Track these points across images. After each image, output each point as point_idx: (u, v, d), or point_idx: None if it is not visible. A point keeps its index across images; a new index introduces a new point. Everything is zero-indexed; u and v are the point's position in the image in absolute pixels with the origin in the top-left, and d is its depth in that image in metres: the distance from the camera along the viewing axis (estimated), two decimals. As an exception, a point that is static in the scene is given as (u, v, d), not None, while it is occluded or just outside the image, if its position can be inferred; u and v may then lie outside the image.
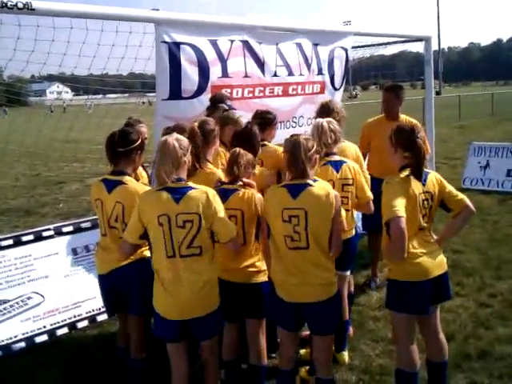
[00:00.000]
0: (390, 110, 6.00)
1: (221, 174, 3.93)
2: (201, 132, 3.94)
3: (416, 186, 3.42)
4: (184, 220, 3.21)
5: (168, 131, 3.79)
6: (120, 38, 5.07)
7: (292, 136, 3.50)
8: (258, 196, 3.61)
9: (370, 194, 4.29)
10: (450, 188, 3.63)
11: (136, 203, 3.44)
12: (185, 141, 3.37)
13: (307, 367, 4.16)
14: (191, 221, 3.22)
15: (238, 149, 3.76)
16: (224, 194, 3.56)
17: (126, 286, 3.75)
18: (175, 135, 3.38)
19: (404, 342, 3.54)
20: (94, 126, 9.85)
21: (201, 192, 3.27)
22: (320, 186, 3.35)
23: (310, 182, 3.34)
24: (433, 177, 3.56)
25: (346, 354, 4.47)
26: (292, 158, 3.39)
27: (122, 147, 3.68)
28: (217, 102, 4.90)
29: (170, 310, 3.33)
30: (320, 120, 4.27)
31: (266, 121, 4.66)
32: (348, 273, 4.47)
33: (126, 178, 3.71)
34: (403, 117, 6.00)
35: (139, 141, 3.78)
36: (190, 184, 3.32)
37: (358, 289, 5.74)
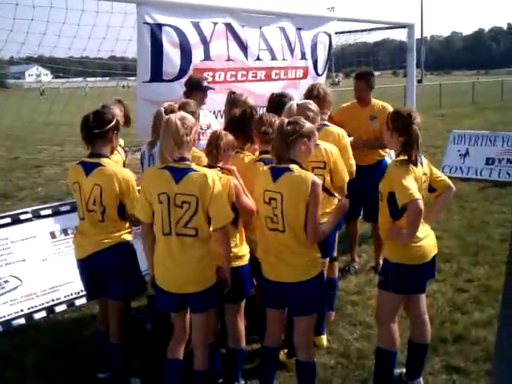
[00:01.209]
0: (362, 98, 6.00)
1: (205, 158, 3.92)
2: None
3: (419, 169, 3.52)
4: (182, 200, 3.24)
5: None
6: (101, 19, 5.00)
7: (280, 119, 3.50)
8: (235, 182, 3.57)
9: (344, 179, 4.24)
10: (434, 169, 3.77)
11: (114, 186, 3.48)
12: (189, 119, 3.34)
13: (286, 350, 4.18)
14: (189, 202, 3.24)
15: (218, 130, 3.77)
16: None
17: (104, 270, 3.73)
18: (180, 113, 3.38)
19: (389, 321, 3.67)
20: (74, 109, 9.74)
21: (201, 175, 3.26)
22: (299, 173, 3.31)
23: (292, 166, 3.32)
24: (424, 159, 3.69)
25: (324, 338, 4.51)
26: (275, 141, 3.42)
27: (98, 128, 3.64)
28: (193, 84, 4.85)
29: (167, 283, 3.40)
30: (292, 102, 4.29)
31: (282, 103, 4.51)
32: (326, 259, 4.47)
33: (104, 160, 3.67)
34: (374, 101, 6.01)
35: (114, 121, 3.73)
36: (193, 165, 3.31)
37: (340, 273, 5.78)
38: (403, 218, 3.46)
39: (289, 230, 3.32)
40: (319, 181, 3.36)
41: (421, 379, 3.88)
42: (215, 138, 3.66)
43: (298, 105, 4.19)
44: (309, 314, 3.49)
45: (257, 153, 4.10)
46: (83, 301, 5.29)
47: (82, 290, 5.29)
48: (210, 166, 3.60)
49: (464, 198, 9.22)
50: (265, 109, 6.08)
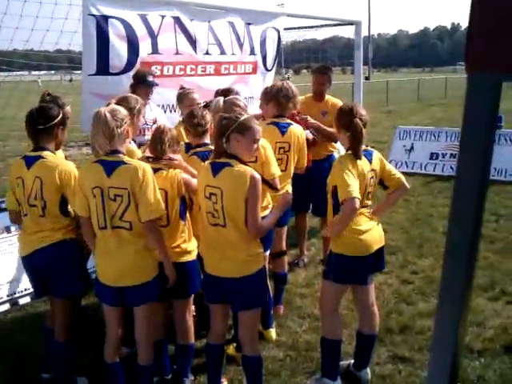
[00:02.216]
0: (321, 92, 6.07)
1: (138, 152, 3.91)
2: None
3: (365, 164, 3.58)
4: (115, 194, 3.21)
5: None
6: (44, 10, 4.86)
7: (219, 114, 3.50)
8: (182, 176, 3.57)
9: (274, 172, 4.18)
10: (388, 166, 3.84)
11: (55, 178, 3.47)
12: (120, 112, 3.29)
13: (235, 344, 4.19)
14: (121, 195, 3.21)
15: (162, 125, 3.74)
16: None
17: (45, 268, 3.65)
18: (111, 106, 3.33)
19: (332, 310, 3.77)
20: (16, 103, 9.45)
21: (132, 168, 3.22)
22: (238, 168, 3.27)
23: (231, 162, 3.28)
24: (376, 155, 3.74)
25: (273, 332, 4.54)
26: (214, 136, 3.45)
27: (42, 124, 3.55)
28: (139, 78, 4.81)
29: (105, 277, 3.39)
30: (219, 98, 4.50)
31: None
32: (266, 253, 4.49)
33: (45, 153, 3.59)
34: (328, 97, 6.10)
35: (60, 116, 3.64)
36: (125, 158, 3.26)
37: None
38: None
39: (230, 224, 3.29)
40: (258, 175, 3.31)
41: (368, 369, 3.97)
42: (159, 133, 3.61)
43: (224, 101, 4.26)
44: (252, 308, 3.47)
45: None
46: (27, 300, 5.15)
47: (25, 289, 5.16)
48: (155, 161, 3.56)
49: (409, 192, 9.37)
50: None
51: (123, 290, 3.34)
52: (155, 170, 3.50)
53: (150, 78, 4.82)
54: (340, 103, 6.07)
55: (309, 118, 5.53)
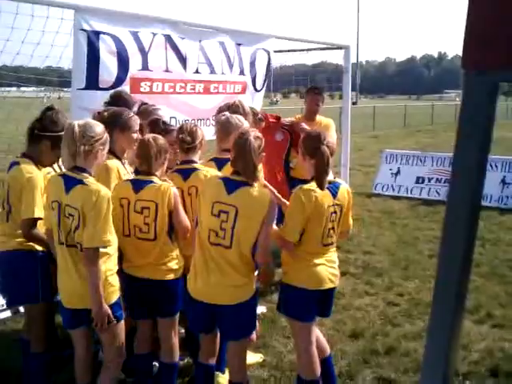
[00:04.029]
0: (315, 111, 6.16)
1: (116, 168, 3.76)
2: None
3: (326, 198, 3.35)
4: (69, 212, 3.12)
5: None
6: (36, 23, 4.84)
7: (243, 134, 3.30)
8: (174, 190, 3.50)
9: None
10: (350, 208, 3.61)
11: (18, 184, 3.47)
12: (93, 129, 3.14)
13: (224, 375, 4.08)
14: (73, 215, 3.10)
15: (146, 137, 3.58)
16: (138, 185, 3.47)
17: (2, 274, 3.66)
18: (85, 120, 3.25)
19: (305, 347, 3.52)
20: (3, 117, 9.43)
21: (88, 190, 3.07)
22: (259, 189, 3.24)
23: (249, 181, 3.20)
24: (345, 190, 3.51)
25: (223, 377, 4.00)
26: (240, 155, 3.22)
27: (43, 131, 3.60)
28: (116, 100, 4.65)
29: (62, 296, 3.32)
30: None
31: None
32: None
33: (22, 160, 3.59)
34: (319, 117, 6.17)
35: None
36: (86, 178, 3.11)
37: (270, 287, 5.79)
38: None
39: (236, 246, 3.16)
40: (274, 200, 3.34)
41: None
42: (144, 147, 3.50)
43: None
44: (245, 336, 3.38)
45: None
46: (8, 314, 5.05)
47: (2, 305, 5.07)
48: (146, 173, 3.51)
49: (395, 214, 9.52)
50: (202, 121, 6.12)
51: (79, 312, 3.23)
52: (146, 182, 3.47)
53: (134, 108, 4.65)
54: (331, 123, 6.17)
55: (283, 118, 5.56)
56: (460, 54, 0.85)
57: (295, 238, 3.35)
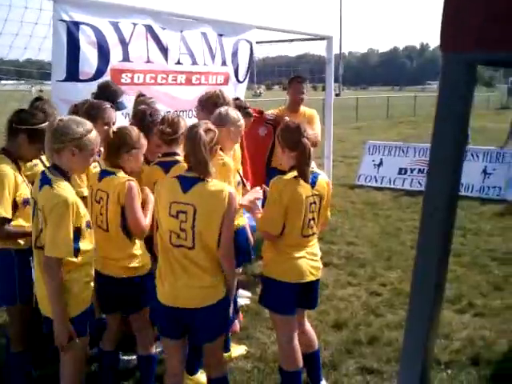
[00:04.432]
0: (298, 102, 6.13)
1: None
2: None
3: (304, 189, 3.33)
4: (37, 212, 3.02)
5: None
6: (14, 14, 4.76)
7: (193, 126, 3.15)
8: (129, 186, 3.30)
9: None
10: (328, 200, 3.60)
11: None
12: (70, 127, 2.96)
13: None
14: (39, 216, 2.99)
15: (112, 128, 3.55)
16: (102, 175, 3.44)
17: None
18: (68, 117, 3.15)
19: (288, 339, 3.53)
20: None
21: (51, 192, 2.90)
22: (215, 183, 3.02)
23: (202, 176, 3.00)
24: (324, 180, 3.49)
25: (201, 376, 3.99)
26: (190, 149, 3.05)
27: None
28: (108, 96, 4.60)
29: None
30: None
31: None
32: (239, 269, 4.40)
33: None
34: (303, 108, 6.15)
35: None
36: (56, 179, 2.95)
37: (254, 279, 5.81)
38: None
39: (199, 246, 2.98)
40: (235, 193, 3.12)
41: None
42: (110, 139, 3.44)
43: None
44: (219, 336, 3.20)
45: None
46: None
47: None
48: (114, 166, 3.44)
49: (378, 206, 9.57)
50: (184, 113, 6.08)
51: (49, 320, 3.04)
52: (109, 174, 3.40)
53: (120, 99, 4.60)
54: (315, 114, 6.15)
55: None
56: (443, 44, 0.85)
57: (277, 231, 3.34)
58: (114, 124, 3.87)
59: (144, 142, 3.54)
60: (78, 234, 2.96)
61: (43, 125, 3.38)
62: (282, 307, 3.47)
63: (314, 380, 3.87)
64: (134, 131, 3.51)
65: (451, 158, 0.88)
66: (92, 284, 3.18)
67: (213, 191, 2.98)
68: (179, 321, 3.10)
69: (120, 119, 5.04)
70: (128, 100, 4.91)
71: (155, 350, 3.80)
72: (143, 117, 4.05)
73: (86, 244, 3.04)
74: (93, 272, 3.21)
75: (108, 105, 3.92)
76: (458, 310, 5.21)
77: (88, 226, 3.08)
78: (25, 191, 3.48)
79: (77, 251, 2.98)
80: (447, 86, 0.86)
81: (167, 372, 3.35)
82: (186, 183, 3.00)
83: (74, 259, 2.98)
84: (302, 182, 3.32)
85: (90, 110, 3.79)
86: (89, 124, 3.08)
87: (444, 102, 0.87)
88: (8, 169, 3.43)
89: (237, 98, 5.19)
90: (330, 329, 4.83)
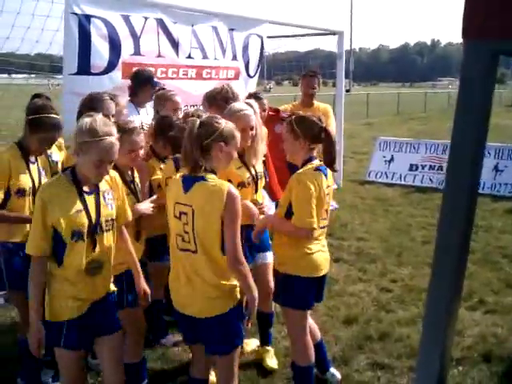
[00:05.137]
0: (311, 95, 6.08)
1: None
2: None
3: (322, 179, 3.30)
4: None
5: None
6: (26, 7, 4.78)
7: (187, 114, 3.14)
8: (112, 175, 3.06)
9: None
10: None
11: None
12: (84, 127, 2.76)
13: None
14: None
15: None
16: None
17: None
18: (94, 118, 2.85)
19: (301, 334, 3.50)
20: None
21: (41, 188, 2.94)
22: (215, 183, 2.82)
23: (204, 175, 2.84)
24: (330, 172, 3.44)
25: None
26: (185, 145, 2.88)
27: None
28: (145, 79, 4.61)
29: None
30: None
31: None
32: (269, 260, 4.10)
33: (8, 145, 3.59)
34: (316, 103, 6.11)
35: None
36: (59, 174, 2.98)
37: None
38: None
39: (201, 250, 2.81)
40: (236, 192, 2.83)
41: (332, 370, 3.92)
42: None
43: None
44: (227, 352, 2.98)
45: None
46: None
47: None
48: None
49: (389, 202, 9.52)
50: (194, 107, 6.06)
51: None
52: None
53: (156, 79, 4.70)
54: (329, 108, 6.10)
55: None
56: (453, 41, 0.83)
57: (316, 225, 3.24)
58: (113, 116, 3.86)
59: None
60: (61, 243, 2.76)
61: (42, 115, 3.43)
62: (304, 303, 3.43)
63: (323, 368, 3.87)
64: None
65: (472, 149, 0.85)
66: (82, 306, 2.86)
67: (210, 190, 2.79)
68: (190, 327, 3.01)
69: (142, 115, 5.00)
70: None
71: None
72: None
73: (72, 258, 2.78)
74: (87, 295, 2.88)
75: (107, 96, 3.92)
76: (470, 306, 5.17)
77: (79, 236, 2.77)
78: (24, 181, 3.47)
79: (60, 262, 2.79)
80: (468, 76, 0.84)
81: (192, 364, 3.31)
82: (188, 182, 2.86)
83: (54, 270, 2.81)
84: (319, 173, 3.29)
85: (88, 103, 3.78)
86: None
87: (465, 92, 0.85)
88: (4, 156, 3.46)
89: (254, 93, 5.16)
90: (340, 324, 4.81)
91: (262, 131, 3.75)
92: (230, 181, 3.21)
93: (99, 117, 2.79)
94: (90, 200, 2.83)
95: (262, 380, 4.00)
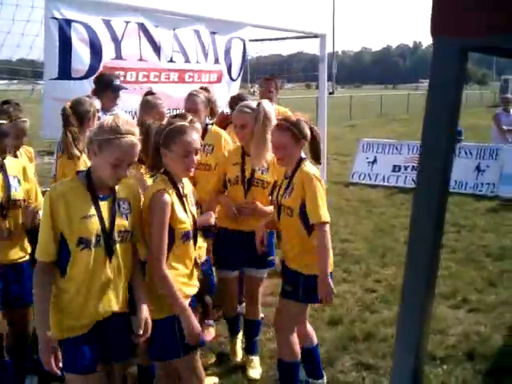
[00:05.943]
0: (270, 98, 6.05)
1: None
2: (74, 113, 3.75)
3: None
4: None
5: None
6: (5, 11, 4.75)
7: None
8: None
9: None
10: None
11: None
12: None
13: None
14: None
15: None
16: None
17: None
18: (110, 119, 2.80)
19: (291, 331, 3.56)
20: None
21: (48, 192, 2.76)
22: (152, 185, 2.99)
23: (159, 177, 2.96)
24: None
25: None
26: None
27: None
28: (105, 82, 4.64)
29: None
30: None
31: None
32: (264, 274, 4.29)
33: None
34: (276, 106, 6.05)
35: None
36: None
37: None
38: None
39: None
40: (164, 196, 2.78)
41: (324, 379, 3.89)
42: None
43: None
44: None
45: None
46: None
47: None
48: None
49: (372, 203, 9.58)
50: (177, 111, 6.05)
51: None
52: None
53: (117, 82, 4.66)
54: (289, 112, 6.09)
55: None
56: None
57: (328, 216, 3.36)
58: (98, 111, 3.86)
59: None
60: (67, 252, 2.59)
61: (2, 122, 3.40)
62: (316, 297, 3.45)
63: (316, 375, 3.83)
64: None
65: (442, 143, 0.87)
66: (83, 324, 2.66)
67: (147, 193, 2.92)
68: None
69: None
70: (122, 99, 4.88)
71: None
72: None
73: (76, 269, 2.60)
74: (93, 314, 2.66)
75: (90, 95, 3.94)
76: (453, 305, 5.22)
77: (86, 244, 2.58)
78: None
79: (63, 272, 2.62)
80: (437, 71, 0.85)
81: None
82: None
83: (60, 278, 2.63)
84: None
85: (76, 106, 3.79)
86: None
87: (435, 89, 0.86)
88: None
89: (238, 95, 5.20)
90: (325, 325, 4.83)
91: (265, 135, 3.76)
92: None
93: (122, 115, 2.81)
94: (104, 206, 2.64)
95: (247, 382, 4.00)
